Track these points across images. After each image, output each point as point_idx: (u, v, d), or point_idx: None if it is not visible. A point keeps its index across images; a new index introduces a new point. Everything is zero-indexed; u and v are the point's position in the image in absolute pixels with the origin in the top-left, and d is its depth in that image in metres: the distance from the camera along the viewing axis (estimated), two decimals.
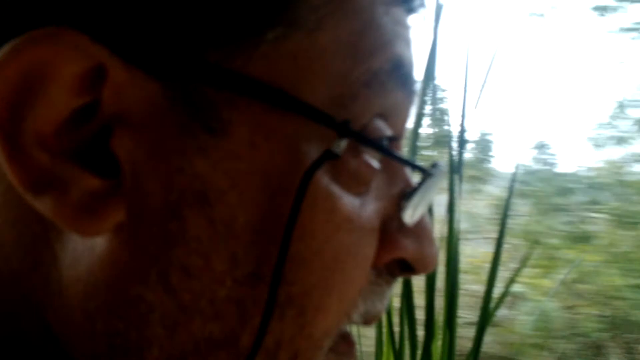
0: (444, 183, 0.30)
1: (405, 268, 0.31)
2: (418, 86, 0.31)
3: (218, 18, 0.24)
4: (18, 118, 0.22)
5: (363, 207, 0.27)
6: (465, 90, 1.27)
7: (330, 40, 0.26)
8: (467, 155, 4.84)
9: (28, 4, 0.23)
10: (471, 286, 4.16)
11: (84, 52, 0.23)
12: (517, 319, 3.72)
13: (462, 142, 1.26)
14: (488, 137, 4.75)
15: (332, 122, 0.25)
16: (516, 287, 3.69)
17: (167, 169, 0.24)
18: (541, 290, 3.71)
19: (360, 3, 0.27)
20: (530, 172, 4.64)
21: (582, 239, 4.14)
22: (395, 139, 0.29)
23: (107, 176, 0.24)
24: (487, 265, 3.92)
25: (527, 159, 5.21)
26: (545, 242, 4.06)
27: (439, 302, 1.33)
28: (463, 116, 1.28)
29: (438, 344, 1.29)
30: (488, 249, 4.11)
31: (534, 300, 3.54)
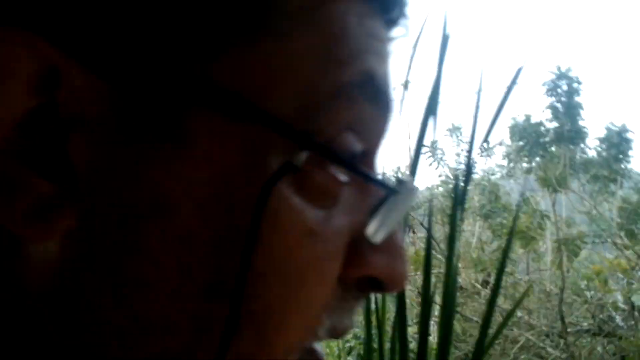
0: (412, 201, 0.28)
1: (375, 285, 0.29)
2: (394, 102, 0.29)
3: (181, 23, 0.24)
4: None
5: (329, 221, 0.26)
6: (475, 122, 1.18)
7: (300, 49, 0.25)
8: (593, 152, 4.54)
9: None
10: (590, 293, 3.93)
11: (37, 52, 0.22)
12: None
13: (468, 173, 1.18)
14: (625, 133, 4.43)
15: (293, 133, 0.24)
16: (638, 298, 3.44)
17: (121, 177, 0.24)
18: None
19: (333, 13, 0.26)
20: None
21: None
22: (366, 154, 0.29)
23: (61, 181, 0.23)
24: (614, 273, 3.66)
25: None
26: None
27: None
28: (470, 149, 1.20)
29: None
30: (616, 255, 3.86)
31: None
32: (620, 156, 4.36)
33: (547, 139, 4.48)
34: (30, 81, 0.22)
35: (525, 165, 4.60)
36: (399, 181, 0.28)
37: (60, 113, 0.23)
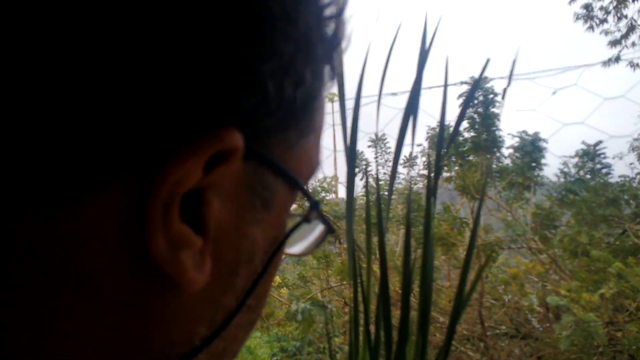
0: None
1: None
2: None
3: (278, 128, 0.31)
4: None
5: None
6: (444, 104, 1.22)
7: (311, 143, 0.35)
8: (507, 160, 4.73)
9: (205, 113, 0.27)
10: (508, 297, 4.08)
11: (239, 147, 0.27)
12: (556, 333, 3.60)
13: (439, 160, 1.22)
14: (537, 142, 4.64)
15: (311, 200, 0.36)
16: (558, 300, 3.59)
17: (238, 235, 0.30)
18: (583, 305, 3.58)
19: (322, 111, 0.36)
20: (578, 181, 4.52)
21: (629, 252, 4.00)
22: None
23: (203, 236, 0.28)
24: (529, 277, 3.78)
25: (575, 166, 5.07)
26: (590, 254, 3.93)
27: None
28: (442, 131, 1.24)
29: (411, 347, 1.32)
30: (530, 259, 4.02)
31: (575, 314, 3.42)
32: (534, 164, 4.56)
33: (465, 148, 4.62)
34: (209, 160, 0.27)
35: (445, 174, 4.73)
36: (309, 212, 0.39)
37: (205, 181, 0.27)
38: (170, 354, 0.29)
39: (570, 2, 5.83)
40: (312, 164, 0.36)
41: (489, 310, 4.06)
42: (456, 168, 4.64)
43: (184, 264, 0.27)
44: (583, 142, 4.82)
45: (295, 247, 0.41)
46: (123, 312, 0.27)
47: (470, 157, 4.62)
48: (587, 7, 5.73)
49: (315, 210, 0.38)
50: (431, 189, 1.30)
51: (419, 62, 1.24)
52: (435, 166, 1.29)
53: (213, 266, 0.29)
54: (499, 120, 4.80)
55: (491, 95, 4.63)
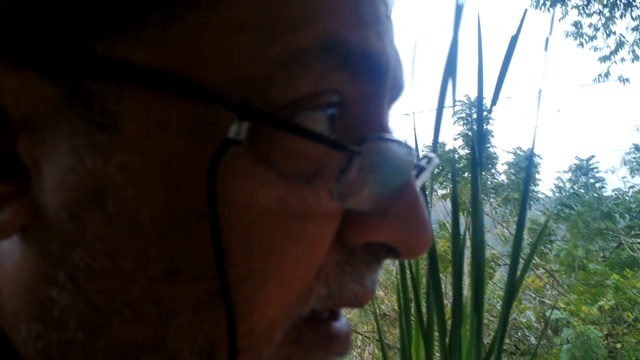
0: (402, 157, 0.28)
1: (391, 251, 0.28)
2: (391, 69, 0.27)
3: (96, 5, 0.23)
4: None
5: (304, 190, 0.25)
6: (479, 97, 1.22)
7: (234, 16, 0.23)
8: (502, 177, 4.76)
9: None
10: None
11: None
12: (557, 347, 3.60)
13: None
14: (533, 158, 4.67)
15: (230, 103, 0.22)
16: (557, 314, 3.60)
17: (61, 170, 0.24)
18: (582, 317, 3.59)
19: None
20: (573, 195, 4.54)
21: (626, 264, 4.02)
22: (349, 125, 0.27)
23: (16, 181, 0.24)
24: (527, 293, 3.77)
25: (570, 181, 5.10)
26: (588, 267, 3.95)
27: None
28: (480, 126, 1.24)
29: (467, 328, 1.23)
30: (528, 275, 4.03)
31: (575, 327, 3.43)
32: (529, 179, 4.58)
33: (460, 165, 4.66)
34: None
35: (441, 191, 4.76)
36: (360, 141, 0.25)
37: (9, 116, 0.24)
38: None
39: (560, 20, 5.93)
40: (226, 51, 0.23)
41: (487, 327, 4.06)
42: (451, 185, 4.67)
43: None
44: (576, 157, 4.87)
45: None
46: None
47: (466, 174, 4.67)
48: (577, 24, 5.83)
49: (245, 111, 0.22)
50: (476, 160, 1.20)
51: (454, 21, 1.19)
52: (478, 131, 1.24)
53: (41, 212, 0.24)
54: (492, 136, 4.85)
55: (484, 113, 4.68)
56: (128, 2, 0.23)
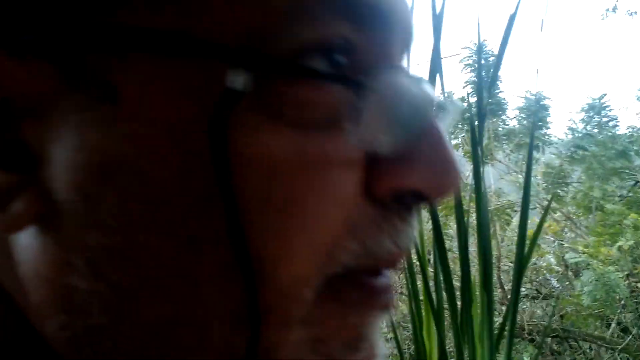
0: (418, 94, 0.25)
1: (418, 196, 0.27)
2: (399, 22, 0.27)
3: None
4: None
5: (324, 139, 0.24)
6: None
7: None
8: (515, 122, 4.71)
9: None
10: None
11: None
12: (577, 290, 3.61)
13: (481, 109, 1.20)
14: (543, 101, 4.60)
15: (232, 54, 0.22)
16: (576, 257, 3.59)
17: (68, 150, 0.23)
18: (602, 259, 3.57)
19: None
20: (587, 136, 4.48)
21: None
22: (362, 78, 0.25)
23: (23, 170, 0.23)
24: (545, 237, 3.77)
25: (582, 121, 5.03)
26: (605, 208, 3.92)
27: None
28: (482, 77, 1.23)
29: (477, 307, 1.23)
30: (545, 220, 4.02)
31: (594, 270, 3.41)
32: (540, 123, 4.52)
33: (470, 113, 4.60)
34: None
35: (453, 141, 4.70)
36: (375, 76, 0.24)
37: (11, 104, 0.23)
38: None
39: None
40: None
41: (508, 273, 4.06)
42: (462, 135, 4.61)
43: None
44: (588, 97, 4.78)
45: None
46: None
47: (476, 122, 4.60)
48: None
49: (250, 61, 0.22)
50: (475, 138, 1.23)
51: None
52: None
53: (53, 199, 0.23)
54: (500, 81, 4.76)
55: (491, 58, 4.59)
56: None
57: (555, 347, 3.76)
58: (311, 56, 0.23)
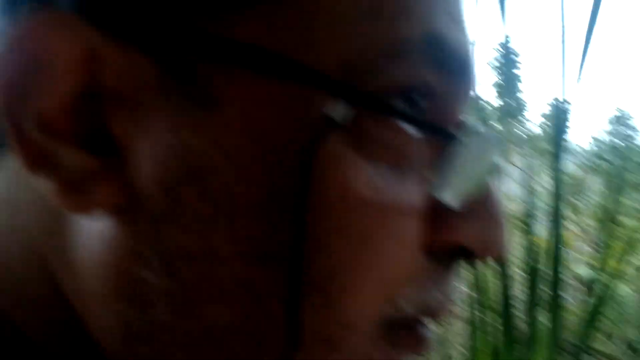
0: (494, 152, 0.25)
1: (467, 254, 0.28)
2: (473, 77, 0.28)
3: None
4: (22, 101, 0.23)
5: (399, 182, 0.25)
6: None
7: (344, 2, 0.24)
8: (537, 128, 4.64)
9: None
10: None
11: (78, 35, 0.23)
12: (586, 304, 3.56)
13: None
14: (564, 108, 4.53)
15: (333, 86, 0.23)
16: (586, 271, 3.53)
17: (160, 148, 0.24)
18: (615, 274, 3.52)
19: None
20: (609, 147, 4.43)
21: None
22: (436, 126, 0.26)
23: (106, 156, 0.24)
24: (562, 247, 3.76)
25: (604, 132, 4.97)
26: (621, 222, 3.85)
27: None
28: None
29: None
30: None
31: (606, 285, 3.35)
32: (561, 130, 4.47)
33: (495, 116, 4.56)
34: (75, 64, 0.23)
35: None
36: (464, 129, 0.26)
37: (103, 92, 0.24)
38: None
39: None
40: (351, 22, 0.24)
41: (518, 282, 4.01)
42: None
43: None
44: (617, 109, 4.72)
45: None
46: None
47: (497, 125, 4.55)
48: None
49: (348, 98, 0.24)
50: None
51: None
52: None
53: (136, 192, 0.24)
54: (520, 82, 4.72)
55: (512, 56, 4.51)
56: None
57: None
58: (396, 97, 0.24)
